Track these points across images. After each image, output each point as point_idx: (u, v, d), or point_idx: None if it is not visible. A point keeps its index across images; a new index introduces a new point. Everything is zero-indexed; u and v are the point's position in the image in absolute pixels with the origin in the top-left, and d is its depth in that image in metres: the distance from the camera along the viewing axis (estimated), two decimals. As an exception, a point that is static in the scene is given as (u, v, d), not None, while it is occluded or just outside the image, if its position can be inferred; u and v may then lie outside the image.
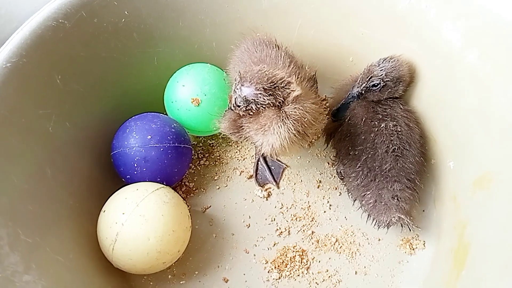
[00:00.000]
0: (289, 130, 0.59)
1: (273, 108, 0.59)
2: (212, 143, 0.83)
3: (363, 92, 0.72)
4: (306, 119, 0.60)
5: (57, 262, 0.58)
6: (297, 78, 0.62)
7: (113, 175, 0.72)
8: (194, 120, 0.75)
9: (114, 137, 0.72)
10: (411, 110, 0.74)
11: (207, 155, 0.82)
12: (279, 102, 0.58)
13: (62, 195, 0.64)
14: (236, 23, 0.79)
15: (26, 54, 0.61)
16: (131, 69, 0.77)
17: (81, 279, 0.61)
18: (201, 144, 0.83)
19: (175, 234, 0.63)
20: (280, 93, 0.58)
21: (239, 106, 0.59)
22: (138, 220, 0.61)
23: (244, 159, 0.81)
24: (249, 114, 0.61)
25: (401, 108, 0.72)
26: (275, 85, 0.57)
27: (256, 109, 0.59)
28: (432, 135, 0.73)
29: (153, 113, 0.74)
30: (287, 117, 0.59)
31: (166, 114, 0.78)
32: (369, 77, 0.71)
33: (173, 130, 0.72)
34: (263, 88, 0.57)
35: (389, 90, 0.71)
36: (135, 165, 0.69)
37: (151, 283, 0.69)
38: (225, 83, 0.76)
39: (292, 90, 0.58)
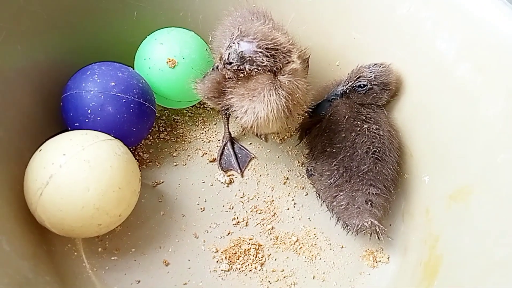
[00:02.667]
0: (280, 101, 0.53)
1: (267, 73, 0.53)
2: (177, 119, 0.75)
3: (347, 91, 0.69)
4: (297, 95, 0.55)
5: None
6: (297, 51, 0.57)
7: (58, 121, 0.62)
8: (165, 83, 0.68)
9: (70, 78, 0.62)
10: (393, 120, 0.71)
11: (169, 129, 0.74)
12: (277, 68, 0.53)
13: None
14: (228, 2, 0.75)
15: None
16: (106, 15, 0.69)
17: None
18: (164, 118, 0.75)
19: (120, 192, 0.53)
20: (281, 57, 0.53)
21: (230, 64, 0.53)
22: (81, 166, 0.51)
23: (209, 142, 0.74)
24: (238, 77, 0.55)
25: (384, 115, 0.69)
26: (278, 47, 0.52)
27: (248, 70, 0.53)
28: (409, 149, 0.70)
29: (121, 64, 0.66)
30: (281, 87, 0.53)
31: (135, 72, 0.70)
32: (357, 76, 0.68)
33: (140, 85, 0.64)
34: (266, 47, 0.52)
35: (374, 95, 0.69)
36: (89, 111, 0.59)
37: (75, 253, 0.58)
38: (207, 54, 0.70)
39: (292, 60, 0.53)
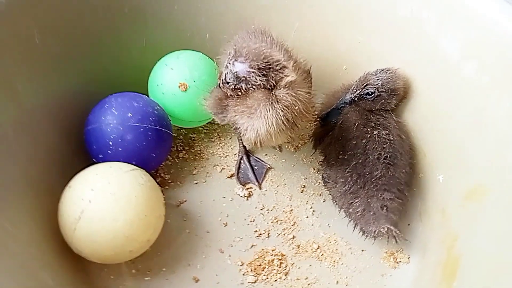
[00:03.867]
0: (277, 115, 0.55)
1: (263, 90, 0.55)
2: (194, 137, 0.78)
3: (356, 99, 0.70)
4: (297, 107, 0.57)
5: (5, 231, 0.50)
6: (293, 65, 0.59)
7: (83, 153, 0.65)
8: (178, 106, 0.70)
9: (90, 111, 0.66)
10: (403, 122, 0.72)
11: (187, 148, 0.77)
12: (271, 85, 0.55)
13: (22, 161, 0.57)
14: (233, 17, 0.77)
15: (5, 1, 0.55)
16: (116, 44, 0.72)
17: (32, 255, 0.53)
18: (181, 137, 0.78)
19: (146, 219, 0.57)
20: (273, 75, 0.55)
21: (228, 83, 0.56)
22: (108, 199, 0.55)
23: (226, 157, 0.77)
24: (237, 94, 0.57)
25: (393, 119, 0.71)
26: (270, 66, 0.54)
27: (245, 89, 0.55)
28: (422, 149, 0.71)
29: (136, 93, 0.69)
30: (277, 101, 0.55)
31: (149, 98, 0.73)
32: (364, 84, 0.69)
33: (155, 112, 0.67)
34: (258, 66, 0.54)
35: (382, 101, 0.70)
36: (110, 143, 0.63)
37: (111, 276, 0.62)
38: (215, 72, 0.72)
39: (286, 75, 0.55)
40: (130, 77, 0.74)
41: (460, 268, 0.56)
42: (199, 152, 0.76)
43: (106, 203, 0.54)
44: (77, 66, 0.67)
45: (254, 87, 0.55)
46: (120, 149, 0.63)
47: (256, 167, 0.75)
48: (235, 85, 0.55)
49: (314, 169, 0.76)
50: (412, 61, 0.72)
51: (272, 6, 0.77)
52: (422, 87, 0.71)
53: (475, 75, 0.63)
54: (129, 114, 0.64)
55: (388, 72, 0.69)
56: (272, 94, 0.55)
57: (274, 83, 0.55)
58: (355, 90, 0.70)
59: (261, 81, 0.54)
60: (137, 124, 0.64)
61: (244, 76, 0.54)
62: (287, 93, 0.56)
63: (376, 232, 0.63)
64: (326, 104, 0.76)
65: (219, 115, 0.61)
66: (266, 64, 0.54)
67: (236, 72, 0.54)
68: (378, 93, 0.69)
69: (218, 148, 0.77)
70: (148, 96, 0.72)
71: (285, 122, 0.56)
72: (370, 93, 0.69)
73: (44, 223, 0.57)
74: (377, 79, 0.69)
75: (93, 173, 0.58)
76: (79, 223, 0.54)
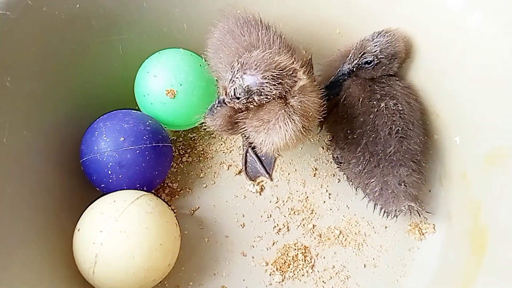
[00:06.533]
0: (296, 126, 0.52)
1: (277, 100, 0.51)
2: (194, 137, 0.75)
3: (354, 69, 0.65)
4: (311, 112, 0.53)
5: (23, 279, 0.50)
6: (297, 60, 0.54)
7: (87, 184, 0.63)
8: (171, 114, 0.67)
9: (82, 141, 0.63)
10: (409, 85, 0.67)
11: (189, 150, 0.74)
12: (286, 93, 0.51)
13: (27, 213, 0.56)
14: (208, 4, 0.70)
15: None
16: (93, 61, 0.67)
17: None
18: (181, 139, 0.75)
19: (163, 247, 0.56)
20: (288, 81, 0.50)
21: (238, 98, 0.51)
22: (119, 238, 0.53)
23: (230, 152, 0.74)
24: (248, 108, 0.53)
25: (399, 84, 0.66)
26: (283, 73, 0.49)
27: (258, 101, 0.51)
28: (434, 109, 0.67)
29: (124, 111, 0.65)
30: (294, 112, 0.51)
31: (139, 110, 0.69)
32: (361, 53, 0.64)
33: (148, 128, 0.63)
34: (272, 76, 0.49)
35: (383, 67, 0.64)
36: (109, 172, 0.60)
37: (141, 300, 0.62)
38: (202, 69, 0.67)
39: (299, 79, 0.50)
40: (117, 91, 0.70)
41: (489, 242, 0.54)
42: (202, 152, 0.74)
43: (118, 243, 0.53)
44: (59, 98, 0.63)
45: (268, 97, 0.50)
46: (120, 176, 0.61)
47: (263, 158, 0.73)
48: (247, 99, 0.51)
49: (323, 148, 0.73)
50: (411, 16, 0.65)
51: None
52: (424, 43, 0.65)
53: (482, 25, 0.57)
54: (122, 139, 0.60)
55: (386, 35, 0.63)
56: (288, 104, 0.51)
57: (289, 89, 0.51)
58: (352, 60, 0.65)
59: (277, 89, 0.50)
60: (132, 147, 0.61)
61: (257, 89, 0.50)
62: (301, 101, 0.51)
63: (397, 211, 0.61)
64: (324, 75, 0.71)
65: (229, 131, 0.57)
66: (280, 71, 0.49)
67: (248, 85, 0.49)
68: (378, 60, 0.63)
69: (221, 144, 0.74)
70: (137, 109, 0.68)
71: (302, 131, 0.53)
72: (369, 62, 0.63)
73: (62, 268, 0.57)
74: (375, 45, 0.63)
75: (99, 212, 0.56)
76: (96, 267, 0.53)
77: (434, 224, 0.65)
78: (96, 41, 0.66)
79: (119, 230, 0.54)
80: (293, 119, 0.51)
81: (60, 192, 0.62)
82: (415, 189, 0.62)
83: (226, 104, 0.53)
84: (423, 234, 0.65)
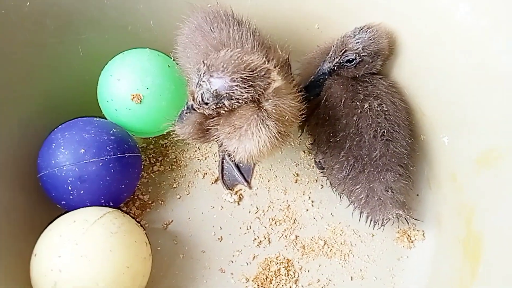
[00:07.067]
0: (270, 132, 0.47)
1: (250, 104, 0.46)
2: (165, 144, 0.70)
3: (335, 68, 0.60)
4: (287, 117, 0.48)
5: None
6: (273, 59, 0.49)
7: (47, 201, 0.57)
8: (138, 121, 0.61)
9: (38, 155, 0.57)
10: (393, 83, 0.63)
11: (160, 158, 0.68)
12: (258, 95, 0.46)
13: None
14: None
15: None
16: (50, 65, 0.62)
17: None
18: (151, 147, 0.69)
19: (131, 271, 0.50)
20: (260, 83, 0.45)
21: (206, 104, 0.46)
22: (80, 263, 0.48)
23: (205, 159, 0.69)
24: (219, 114, 0.48)
25: (382, 83, 0.61)
26: (254, 73, 0.44)
27: (229, 105, 0.46)
28: (419, 108, 0.63)
29: (84, 119, 0.59)
30: (268, 117, 0.46)
31: (104, 117, 0.63)
32: (343, 51, 0.59)
33: (112, 137, 0.58)
34: (241, 78, 0.44)
35: (366, 66, 0.60)
36: (69, 188, 0.55)
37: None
38: (171, 70, 0.62)
39: (272, 80, 0.45)
40: (78, 96, 0.64)
41: (483, 249, 0.50)
42: (174, 159, 0.68)
43: (78, 269, 0.48)
44: (12, 107, 0.58)
45: (239, 101, 0.45)
46: (82, 191, 0.55)
47: (241, 164, 0.68)
48: (216, 104, 0.46)
49: (304, 152, 0.69)
50: (394, 9, 0.61)
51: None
52: (409, 38, 0.61)
53: (471, 18, 0.54)
54: (82, 151, 0.55)
55: (369, 31, 0.59)
56: (261, 109, 0.46)
57: (262, 92, 0.46)
58: (333, 58, 0.60)
59: (248, 93, 0.45)
60: (94, 160, 0.55)
61: (226, 92, 0.44)
62: (275, 104, 0.47)
63: (384, 220, 0.57)
64: (303, 74, 0.67)
65: (200, 139, 0.52)
66: (250, 72, 0.44)
67: (216, 89, 0.44)
68: (360, 58, 0.59)
69: (195, 150, 0.69)
70: (102, 116, 0.62)
71: (277, 136, 0.48)
72: (350, 60, 0.59)
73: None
74: (357, 42, 0.59)
75: (57, 234, 0.50)
76: (55, 296, 0.48)
77: (423, 231, 0.62)
78: (52, 42, 0.61)
79: (80, 254, 0.48)
80: (267, 124, 0.46)
81: (16, 212, 0.56)
82: (402, 195, 0.58)
83: (195, 110, 0.48)
84: (412, 242, 0.61)
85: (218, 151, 0.68)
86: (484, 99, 0.53)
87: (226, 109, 0.46)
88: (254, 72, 0.45)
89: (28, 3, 0.56)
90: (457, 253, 0.55)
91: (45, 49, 0.60)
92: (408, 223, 0.59)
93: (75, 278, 0.48)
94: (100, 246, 0.49)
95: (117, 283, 0.49)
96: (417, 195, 0.64)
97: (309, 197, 0.65)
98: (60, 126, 0.58)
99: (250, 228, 0.63)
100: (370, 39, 0.58)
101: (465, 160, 0.57)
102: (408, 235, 0.62)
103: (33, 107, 0.60)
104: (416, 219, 0.60)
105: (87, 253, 0.48)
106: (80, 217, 0.52)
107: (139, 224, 0.58)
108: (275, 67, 0.48)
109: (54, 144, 0.56)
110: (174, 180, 0.67)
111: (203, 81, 0.45)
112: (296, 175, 0.67)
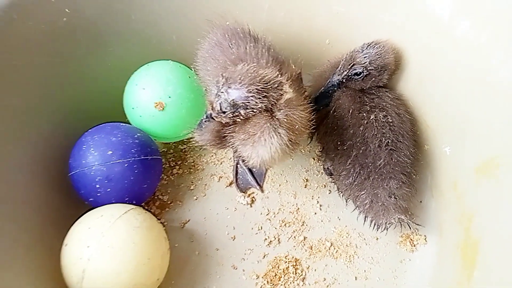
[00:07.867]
0: (282, 140, 0.51)
1: (263, 113, 0.51)
2: (184, 149, 0.74)
3: (344, 80, 0.65)
4: (297, 126, 0.53)
5: None
6: (285, 73, 0.54)
7: (74, 199, 0.63)
8: (160, 127, 0.66)
9: (70, 155, 0.62)
10: (399, 96, 0.67)
11: (179, 162, 0.73)
12: (272, 105, 0.50)
13: (13, 232, 0.55)
14: (197, 10, 0.70)
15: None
16: (80, 75, 0.67)
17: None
18: (171, 151, 0.74)
19: (150, 262, 0.55)
20: (273, 94, 0.50)
21: (224, 113, 0.51)
22: (106, 253, 0.53)
23: (221, 163, 0.73)
24: (235, 121, 0.53)
25: (388, 96, 0.65)
26: (268, 86, 0.49)
27: (244, 114, 0.50)
28: (424, 119, 0.67)
29: (112, 124, 0.65)
30: (280, 125, 0.51)
31: (129, 123, 0.68)
32: (351, 64, 0.64)
33: (137, 141, 0.63)
34: (256, 89, 0.49)
35: (373, 79, 0.64)
36: (97, 186, 0.60)
37: (130, 316, 0.61)
38: (191, 81, 0.67)
39: (285, 92, 0.50)
40: (105, 104, 0.69)
41: (479, 255, 0.53)
42: (192, 164, 0.73)
43: (105, 258, 0.53)
44: (44, 112, 0.63)
45: (254, 110, 0.50)
46: (108, 189, 0.60)
47: (254, 169, 0.72)
48: (233, 113, 0.50)
49: (314, 159, 0.73)
50: (400, 25, 0.65)
51: (237, -9, 0.70)
52: (414, 53, 0.65)
53: (472, 34, 0.57)
54: (109, 152, 0.60)
55: (376, 46, 0.63)
56: (274, 118, 0.51)
57: (275, 102, 0.50)
58: (342, 71, 0.65)
59: (262, 103, 0.49)
60: (120, 161, 0.60)
61: (242, 102, 0.49)
62: (287, 114, 0.51)
63: (387, 224, 0.61)
64: (314, 86, 0.71)
65: (217, 145, 0.56)
66: (264, 85, 0.49)
67: (233, 99, 0.49)
68: (367, 72, 0.63)
69: (212, 156, 0.74)
70: (127, 122, 0.68)
71: (288, 144, 0.52)
72: (358, 73, 0.63)
73: (50, 280, 0.56)
74: (365, 57, 0.63)
75: (86, 227, 0.55)
76: (83, 282, 0.53)
77: (425, 236, 0.65)
78: (82, 53, 0.66)
79: (106, 245, 0.53)
80: (278, 132, 0.51)
81: (47, 208, 0.61)
82: (405, 201, 0.61)
83: (214, 119, 0.53)
84: (414, 246, 0.65)
85: (233, 156, 0.73)
86: (484, 110, 0.57)
87: (241, 117, 0.51)
88: (268, 84, 0.49)
89: (65, 18, 0.62)
90: (456, 258, 0.58)
91: (76, 61, 0.66)
92: (410, 227, 0.62)
93: (101, 266, 0.52)
94: (124, 239, 0.54)
95: (138, 273, 0.54)
96: (421, 202, 0.67)
97: (318, 201, 0.69)
98: (90, 130, 0.64)
99: (261, 228, 0.67)
100: (377, 54, 0.62)
101: (465, 169, 0.60)
102: (411, 239, 0.65)
103: (64, 113, 0.66)
104: (418, 224, 0.63)
105: (112, 244, 0.53)
106: (107, 212, 0.57)
107: (159, 221, 0.62)
108: (287, 80, 0.53)
109: (84, 146, 0.61)
110: (192, 182, 0.72)
111: (222, 92, 0.50)
112: (305, 181, 0.71)
